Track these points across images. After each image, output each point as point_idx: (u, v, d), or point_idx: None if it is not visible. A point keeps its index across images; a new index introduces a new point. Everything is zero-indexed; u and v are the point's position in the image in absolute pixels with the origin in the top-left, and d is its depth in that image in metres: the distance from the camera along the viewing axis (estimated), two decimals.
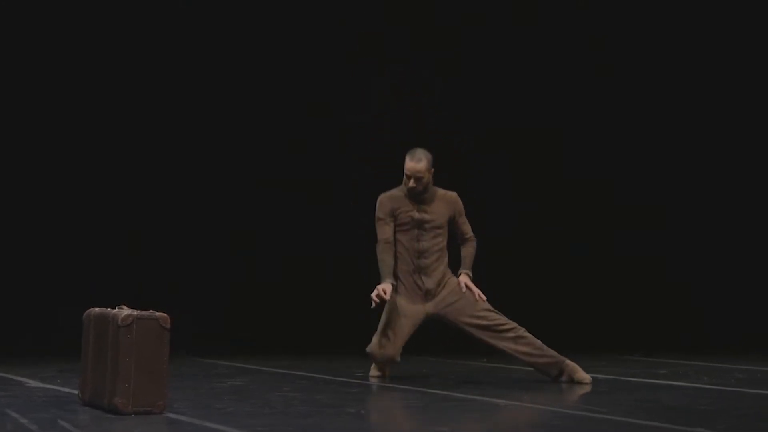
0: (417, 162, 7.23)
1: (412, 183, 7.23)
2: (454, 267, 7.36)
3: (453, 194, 7.47)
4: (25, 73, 9.96)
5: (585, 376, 7.00)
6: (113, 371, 5.27)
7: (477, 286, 7.24)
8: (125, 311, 5.37)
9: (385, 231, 7.26)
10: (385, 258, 7.19)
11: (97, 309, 5.58)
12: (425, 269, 7.22)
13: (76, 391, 5.76)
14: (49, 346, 8.98)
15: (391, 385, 5.73)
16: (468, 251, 7.44)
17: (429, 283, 7.21)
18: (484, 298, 7.20)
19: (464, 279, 7.26)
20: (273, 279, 10.55)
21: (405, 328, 7.13)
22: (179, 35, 10.36)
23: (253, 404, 5.75)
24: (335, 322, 10.07)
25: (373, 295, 6.94)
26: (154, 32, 10.29)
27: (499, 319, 7.12)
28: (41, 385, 6.59)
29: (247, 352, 9.35)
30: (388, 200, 7.34)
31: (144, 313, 5.35)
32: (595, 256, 11.17)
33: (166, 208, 10.31)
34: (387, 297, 6.98)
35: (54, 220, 10.00)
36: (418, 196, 7.28)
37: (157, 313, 5.39)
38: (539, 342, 7.09)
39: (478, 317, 7.12)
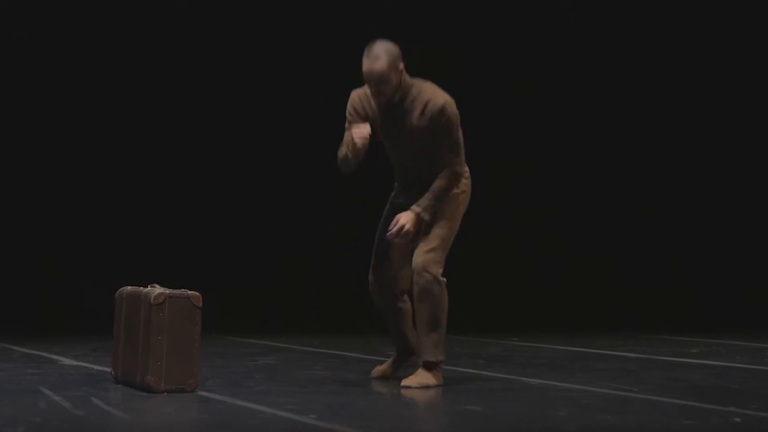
0: (373, 61, 5.44)
1: (373, 89, 5.50)
2: None
3: (438, 103, 5.54)
4: (26, 73, 9.96)
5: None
6: (145, 350, 5.26)
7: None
8: (157, 290, 5.36)
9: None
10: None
11: (129, 287, 5.57)
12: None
13: (108, 369, 5.76)
14: (81, 324, 8.98)
15: None
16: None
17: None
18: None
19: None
20: (273, 279, 10.52)
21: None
22: (180, 35, 10.36)
23: (283, 383, 5.77)
24: (333, 323, 10.04)
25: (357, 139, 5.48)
26: (154, 32, 10.30)
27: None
28: (74, 363, 6.58)
29: (278, 330, 9.25)
30: (358, 99, 5.70)
31: (176, 291, 5.36)
32: (596, 255, 11.18)
33: (166, 208, 10.31)
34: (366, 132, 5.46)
35: (64, 218, 10.07)
36: (388, 105, 5.56)
37: (189, 292, 5.39)
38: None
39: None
